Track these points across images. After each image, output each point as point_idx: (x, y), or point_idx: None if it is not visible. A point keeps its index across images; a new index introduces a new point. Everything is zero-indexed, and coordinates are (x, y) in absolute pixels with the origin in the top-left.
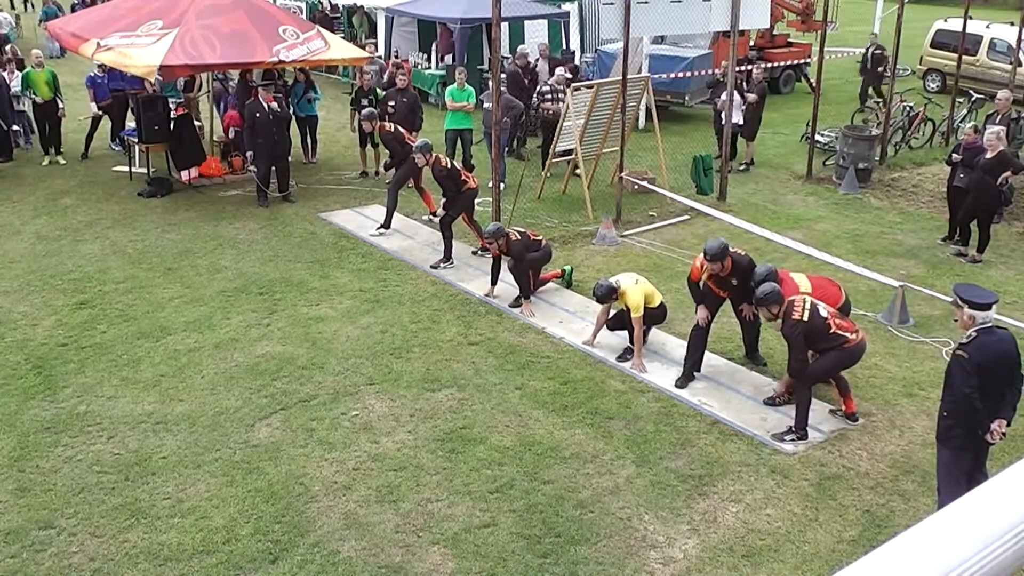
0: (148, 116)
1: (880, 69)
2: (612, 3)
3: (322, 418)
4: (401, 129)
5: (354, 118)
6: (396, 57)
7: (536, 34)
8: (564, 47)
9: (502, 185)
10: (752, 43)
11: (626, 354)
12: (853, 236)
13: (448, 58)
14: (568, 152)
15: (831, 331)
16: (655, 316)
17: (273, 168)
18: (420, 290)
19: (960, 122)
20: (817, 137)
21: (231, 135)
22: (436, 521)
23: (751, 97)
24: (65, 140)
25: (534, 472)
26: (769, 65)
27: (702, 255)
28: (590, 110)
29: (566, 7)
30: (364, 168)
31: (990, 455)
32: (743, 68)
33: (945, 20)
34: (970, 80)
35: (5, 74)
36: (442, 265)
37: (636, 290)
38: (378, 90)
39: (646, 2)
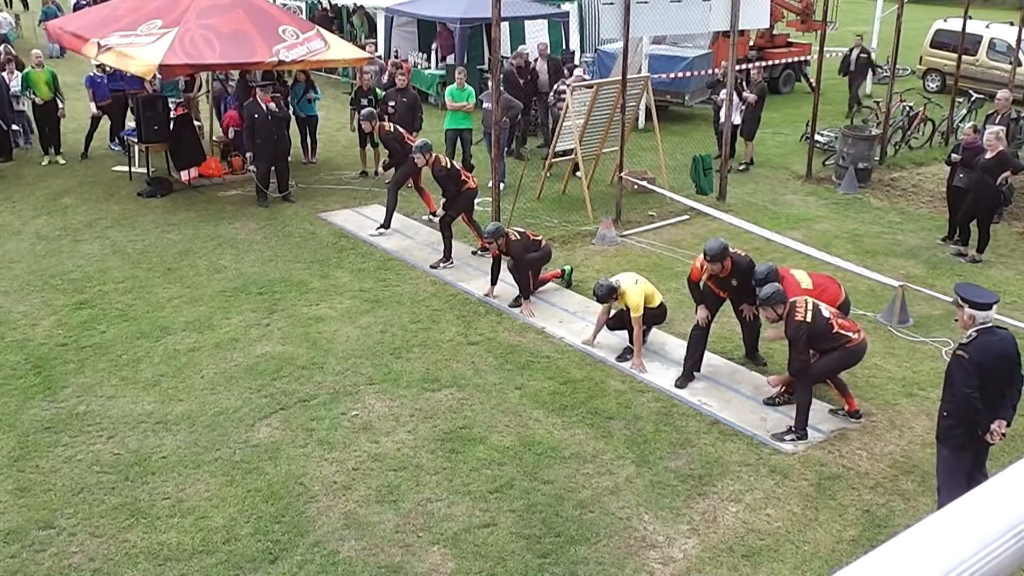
0: (148, 116)
1: (866, 70)
2: (612, 3)
3: (322, 418)
4: (401, 129)
5: (354, 118)
6: (396, 57)
7: (536, 34)
8: (564, 47)
9: (502, 185)
10: (752, 43)
11: (626, 354)
12: (853, 236)
13: (450, 58)
14: (567, 152)
15: (834, 331)
16: (655, 316)
17: (273, 168)
18: (420, 290)
19: (960, 122)
20: (817, 137)
21: (231, 135)
22: (436, 521)
23: (750, 97)
24: (65, 140)
25: (534, 472)
26: (769, 65)
27: (702, 255)
28: (590, 110)
29: (566, 7)
30: (364, 168)
31: (990, 455)
32: (743, 68)
33: (945, 20)
34: (970, 80)
35: (4, 74)
36: (442, 265)
37: (636, 290)
38: (378, 90)
39: (646, 2)
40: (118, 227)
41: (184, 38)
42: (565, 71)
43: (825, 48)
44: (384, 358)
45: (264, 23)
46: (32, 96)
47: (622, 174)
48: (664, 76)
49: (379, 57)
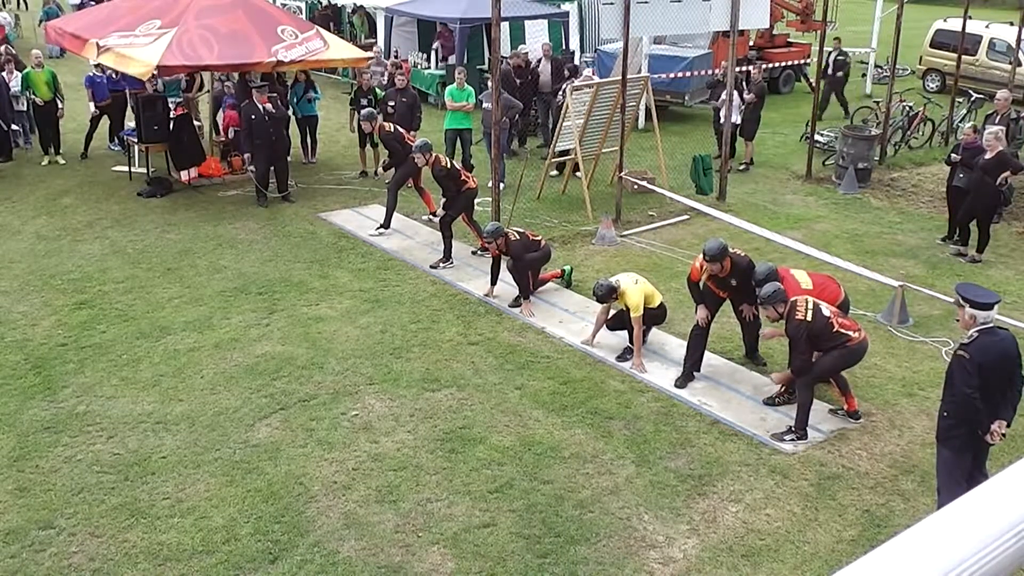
0: (147, 116)
1: (840, 74)
2: (612, 3)
3: (322, 418)
4: (401, 129)
5: (353, 118)
6: (395, 57)
7: (536, 34)
8: (564, 47)
9: (502, 185)
10: (752, 43)
11: (626, 354)
12: (853, 236)
13: (450, 58)
14: (567, 152)
15: (834, 330)
16: (655, 316)
17: (272, 168)
18: (420, 290)
19: (959, 122)
20: (816, 137)
21: (230, 135)
22: (436, 521)
23: (748, 97)
24: (64, 140)
25: (534, 472)
26: (769, 65)
27: (701, 255)
28: (589, 110)
29: (566, 7)
30: (364, 168)
31: (990, 455)
32: (743, 68)
33: (944, 20)
34: (969, 80)
35: (4, 74)
36: (442, 265)
37: (636, 290)
38: (377, 90)
39: (646, 2)
40: (118, 227)
41: (182, 38)
42: (565, 71)
43: (825, 49)
44: (384, 358)
45: (263, 23)
46: (32, 96)
47: (622, 174)
48: (664, 76)
49: (380, 54)
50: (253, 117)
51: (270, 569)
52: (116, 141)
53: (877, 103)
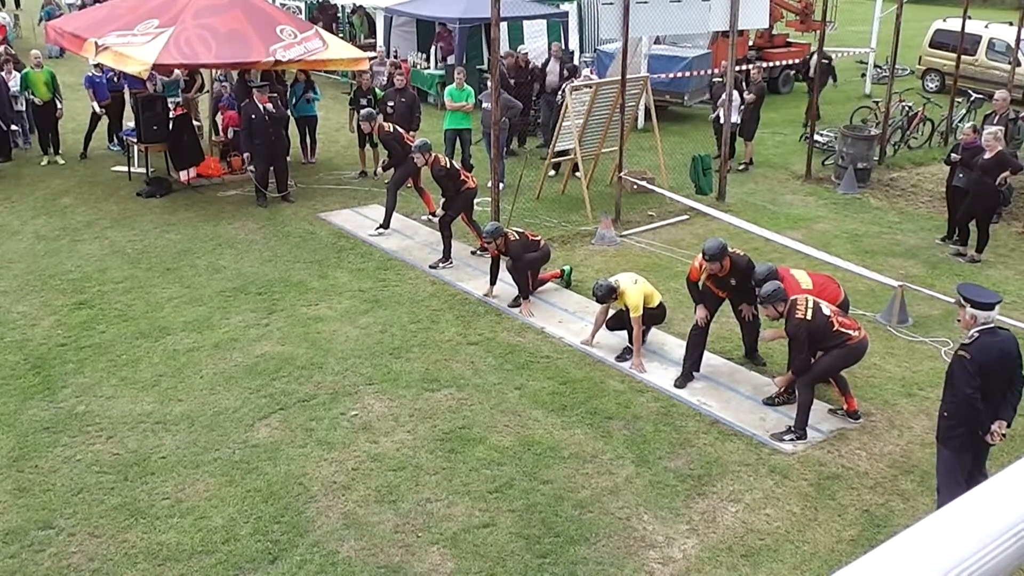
0: (147, 116)
1: (826, 77)
2: (611, 3)
3: (321, 418)
4: (400, 129)
5: (353, 118)
6: (395, 57)
7: (536, 34)
8: (563, 47)
9: (501, 185)
10: (751, 43)
11: (625, 354)
12: (852, 236)
13: (450, 59)
14: (566, 152)
15: (834, 329)
16: (654, 316)
17: (272, 168)
18: (419, 290)
19: (959, 122)
20: (816, 137)
21: (230, 135)
22: (435, 521)
23: (748, 97)
24: (64, 140)
25: (533, 472)
26: (768, 65)
27: (701, 255)
28: (589, 110)
29: (565, 7)
30: (363, 168)
31: (990, 455)
32: (742, 68)
33: (944, 20)
34: (969, 80)
35: (3, 74)
36: (441, 265)
37: (635, 290)
38: (377, 90)
39: (646, 2)
40: (117, 227)
41: (180, 37)
42: (565, 71)
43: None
44: (383, 358)
45: (261, 23)
46: (31, 96)
47: (621, 174)
48: (663, 76)
49: (381, 54)
50: (253, 117)
51: (270, 569)
52: (115, 141)
53: (876, 103)
